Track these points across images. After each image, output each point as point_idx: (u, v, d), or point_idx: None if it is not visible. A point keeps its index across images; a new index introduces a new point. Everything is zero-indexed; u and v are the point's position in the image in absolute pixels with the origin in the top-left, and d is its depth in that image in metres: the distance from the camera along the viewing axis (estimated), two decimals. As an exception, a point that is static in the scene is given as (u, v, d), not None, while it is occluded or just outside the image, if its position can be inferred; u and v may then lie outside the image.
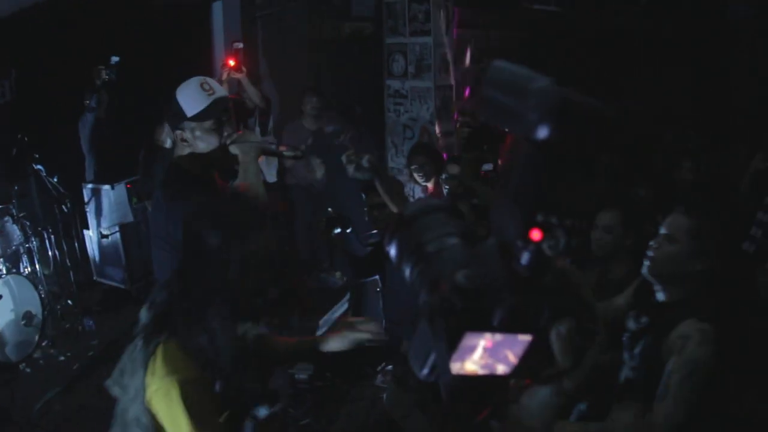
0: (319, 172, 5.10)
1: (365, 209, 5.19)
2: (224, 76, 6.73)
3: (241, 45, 6.89)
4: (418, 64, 6.71)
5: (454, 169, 5.44)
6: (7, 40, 6.82)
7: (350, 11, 9.19)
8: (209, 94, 3.08)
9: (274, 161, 7.25)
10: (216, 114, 3.09)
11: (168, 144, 6.03)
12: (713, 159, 6.31)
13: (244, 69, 6.82)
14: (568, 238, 1.19)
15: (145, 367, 2.01)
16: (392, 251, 1.45)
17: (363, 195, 5.11)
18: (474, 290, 1.20)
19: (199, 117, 3.07)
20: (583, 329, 1.47)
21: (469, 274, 1.21)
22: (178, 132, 3.11)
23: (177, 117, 3.09)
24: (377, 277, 5.20)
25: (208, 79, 3.17)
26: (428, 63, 6.64)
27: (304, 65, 9.26)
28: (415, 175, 5.90)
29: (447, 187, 5.38)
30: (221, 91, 3.20)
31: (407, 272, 1.40)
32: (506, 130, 1.25)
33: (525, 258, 1.18)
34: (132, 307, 6.94)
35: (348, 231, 5.12)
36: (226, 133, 3.15)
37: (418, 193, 6.79)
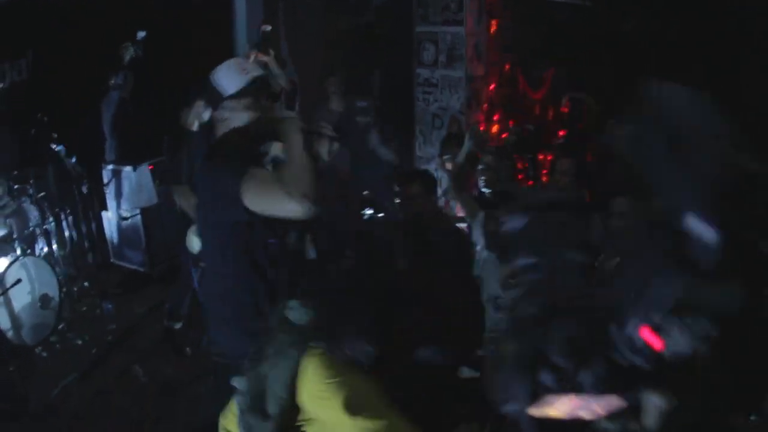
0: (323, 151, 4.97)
1: (395, 198, 5.08)
2: (251, 59, 6.63)
3: (269, 28, 6.79)
4: (450, 53, 6.57)
5: (489, 159, 5.30)
6: (25, 19, 6.70)
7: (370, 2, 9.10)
8: (245, 73, 3.18)
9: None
10: (254, 92, 3.17)
11: (195, 127, 5.89)
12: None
13: (272, 51, 6.73)
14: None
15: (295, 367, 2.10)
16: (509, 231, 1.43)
17: (396, 186, 5.01)
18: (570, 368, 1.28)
19: (237, 95, 3.15)
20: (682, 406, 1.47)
21: (566, 354, 1.28)
22: (217, 112, 3.20)
23: (215, 97, 3.18)
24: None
25: (243, 60, 3.26)
26: (460, 53, 6.50)
27: (321, 52, 9.16)
28: (448, 164, 5.80)
29: (483, 177, 5.25)
30: (257, 70, 3.28)
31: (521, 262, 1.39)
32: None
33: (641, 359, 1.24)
34: (151, 290, 6.85)
35: (379, 215, 5.05)
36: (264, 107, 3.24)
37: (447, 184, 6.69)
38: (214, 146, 3.18)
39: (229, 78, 3.16)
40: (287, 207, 2.80)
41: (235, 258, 3.11)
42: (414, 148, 7.05)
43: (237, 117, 3.12)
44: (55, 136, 6.32)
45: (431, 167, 6.93)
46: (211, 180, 3.05)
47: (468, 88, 6.57)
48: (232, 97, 3.12)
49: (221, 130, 3.21)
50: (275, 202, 2.83)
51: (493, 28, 6.85)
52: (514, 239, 1.49)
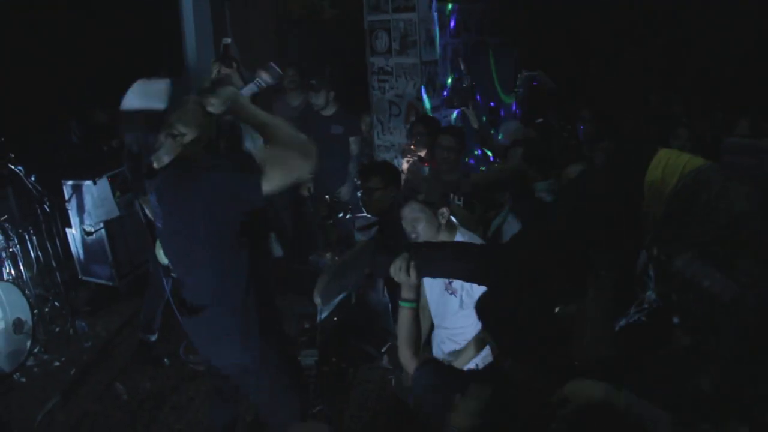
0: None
1: (357, 192, 5.11)
2: (214, 73, 6.58)
3: (229, 40, 6.70)
4: (403, 40, 6.56)
5: (447, 140, 5.29)
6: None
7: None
8: (161, 83, 3.05)
9: (261, 144, 7.12)
10: (186, 87, 3.00)
11: (150, 136, 5.87)
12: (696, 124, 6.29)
13: (234, 64, 6.65)
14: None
15: None
16: None
17: (356, 180, 5.03)
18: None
19: (173, 104, 2.97)
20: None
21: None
22: (165, 132, 2.93)
23: (153, 120, 2.96)
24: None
25: (141, 81, 3.03)
26: (413, 39, 6.50)
27: (273, 43, 9.08)
28: (419, 149, 5.83)
29: (443, 157, 5.26)
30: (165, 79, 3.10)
31: None
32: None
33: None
34: (120, 304, 6.79)
35: (348, 217, 5.07)
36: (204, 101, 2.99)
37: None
38: (177, 170, 2.99)
39: (153, 95, 2.98)
40: (304, 166, 2.87)
41: (236, 266, 3.11)
42: (372, 136, 7.05)
43: (188, 123, 2.94)
44: (12, 156, 6.21)
45: (390, 155, 6.95)
46: (202, 192, 2.91)
47: (423, 73, 6.58)
48: (169, 109, 2.95)
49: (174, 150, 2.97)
50: (293, 168, 2.85)
51: (443, 12, 6.86)
52: None
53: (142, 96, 2.96)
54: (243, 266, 3.14)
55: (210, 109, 2.95)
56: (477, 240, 3.81)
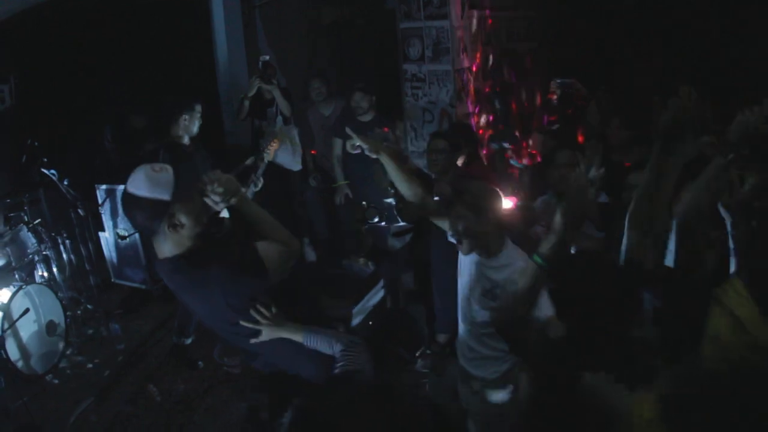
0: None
1: (393, 201, 5.10)
2: (254, 89, 6.66)
3: (268, 57, 6.74)
4: (435, 47, 6.57)
5: (435, 144, 5.29)
6: (6, 45, 6.61)
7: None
8: (168, 170, 3.03)
9: (299, 150, 7.10)
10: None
11: (186, 140, 5.87)
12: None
13: (274, 81, 6.69)
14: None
15: None
16: None
17: (391, 189, 5.05)
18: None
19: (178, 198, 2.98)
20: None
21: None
22: (167, 221, 2.95)
23: (159, 208, 2.94)
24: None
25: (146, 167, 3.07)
26: (446, 46, 6.50)
27: (304, 51, 9.12)
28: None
29: (433, 159, 5.28)
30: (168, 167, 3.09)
31: None
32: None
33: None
34: (153, 307, 6.81)
35: (383, 224, 5.06)
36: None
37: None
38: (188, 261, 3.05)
39: (161, 186, 2.97)
40: (292, 259, 3.17)
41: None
42: (405, 142, 7.05)
43: (190, 215, 2.98)
44: (45, 160, 6.25)
45: (423, 161, 6.93)
46: (213, 285, 3.01)
47: (456, 80, 6.58)
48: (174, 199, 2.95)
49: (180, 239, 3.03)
50: (284, 262, 3.12)
51: (476, 19, 6.84)
52: None
53: (150, 185, 3.00)
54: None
55: (212, 204, 3.02)
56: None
